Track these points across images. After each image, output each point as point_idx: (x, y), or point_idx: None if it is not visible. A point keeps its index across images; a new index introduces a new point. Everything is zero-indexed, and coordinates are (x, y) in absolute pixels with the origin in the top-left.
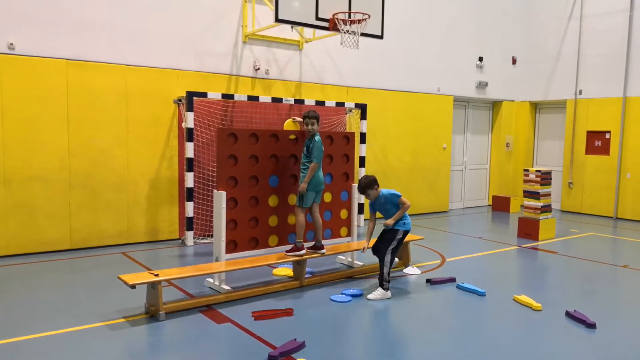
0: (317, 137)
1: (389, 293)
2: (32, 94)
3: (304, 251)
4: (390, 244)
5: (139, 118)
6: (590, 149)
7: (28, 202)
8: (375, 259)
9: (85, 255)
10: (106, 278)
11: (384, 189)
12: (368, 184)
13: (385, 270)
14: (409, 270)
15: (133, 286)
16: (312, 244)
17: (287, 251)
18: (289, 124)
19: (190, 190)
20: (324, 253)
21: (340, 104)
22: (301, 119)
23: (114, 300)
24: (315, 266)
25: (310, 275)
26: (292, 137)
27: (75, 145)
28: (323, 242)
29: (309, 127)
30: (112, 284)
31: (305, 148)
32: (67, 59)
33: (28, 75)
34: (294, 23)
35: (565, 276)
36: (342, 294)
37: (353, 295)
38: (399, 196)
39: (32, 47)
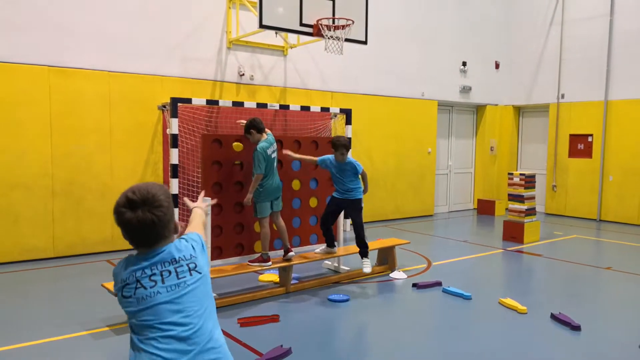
0: (258, 146)
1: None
2: (14, 101)
3: (269, 263)
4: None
5: (123, 124)
6: (573, 152)
7: (10, 210)
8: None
9: (68, 263)
10: (90, 286)
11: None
12: (347, 144)
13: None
14: (395, 274)
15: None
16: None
17: (251, 261)
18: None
19: (175, 196)
20: (293, 256)
21: (325, 109)
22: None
23: (98, 308)
24: (301, 272)
25: (296, 281)
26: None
27: (58, 152)
28: (309, 247)
29: (248, 138)
30: (96, 292)
31: None
32: (49, 66)
33: (9, 82)
34: (278, 29)
35: (550, 279)
36: (328, 299)
37: (339, 301)
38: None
39: (13, 54)
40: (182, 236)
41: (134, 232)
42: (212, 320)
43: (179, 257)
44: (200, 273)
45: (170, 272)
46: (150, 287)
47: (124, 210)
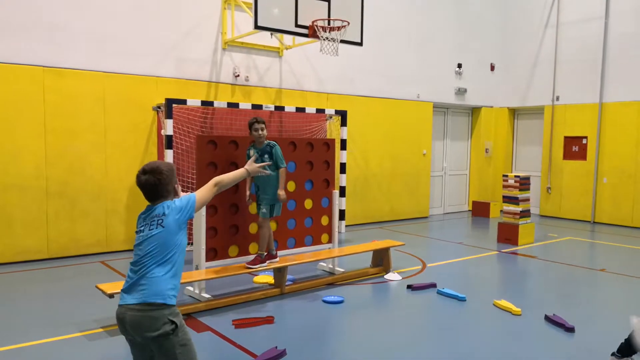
0: (273, 141)
1: None
2: (8, 101)
3: (266, 264)
4: None
5: (117, 125)
6: (567, 154)
7: (4, 211)
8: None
9: (62, 264)
10: (84, 287)
11: None
12: None
13: None
14: (389, 276)
15: (111, 295)
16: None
17: (249, 262)
18: None
19: None
20: (276, 261)
21: (320, 111)
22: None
23: (92, 310)
24: (296, 273)
25: (291, 283)
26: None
27: (52, 152)
28: (304, 248)
29: (260, 132)
30: (90, 293)
31: (260, 156)
32: (43, 66)
33: (3, 82)
34: (273, 30)
35: (544, 280)
36: (322, 301)
37: (334, 302)
38: None
39: (7, 54)
40: (183, 196)
41: (144, 189)
42: (158, 262)
43: (157, 214)
44: (163, 227)
45: (149, 224)
46: (140, 233)
47: (139, 174)
